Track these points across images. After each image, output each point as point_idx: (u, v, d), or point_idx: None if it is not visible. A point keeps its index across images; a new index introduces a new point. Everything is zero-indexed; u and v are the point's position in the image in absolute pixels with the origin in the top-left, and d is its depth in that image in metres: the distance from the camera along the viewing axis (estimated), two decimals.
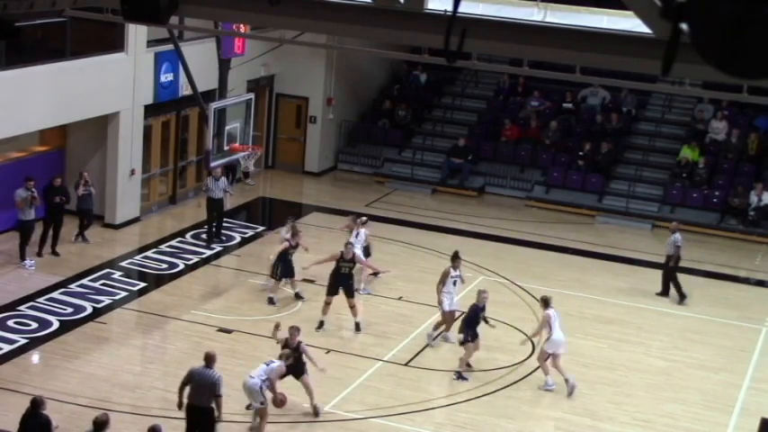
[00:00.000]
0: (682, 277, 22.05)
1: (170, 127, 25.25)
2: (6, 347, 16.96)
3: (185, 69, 22.33)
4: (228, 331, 18.25)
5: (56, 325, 18.01)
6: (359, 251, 20.06)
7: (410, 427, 15.52)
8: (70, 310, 18.70)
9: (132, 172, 23.39)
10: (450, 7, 6.40)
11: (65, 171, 22.99)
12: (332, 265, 18.71)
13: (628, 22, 7.97)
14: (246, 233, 23.36)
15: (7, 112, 19.53)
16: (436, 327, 18.39)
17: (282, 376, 14.99)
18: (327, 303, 18.52)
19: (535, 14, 9.70)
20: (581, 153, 28.50)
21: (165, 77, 23.90)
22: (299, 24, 9.76)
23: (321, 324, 18.48)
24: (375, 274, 20.83)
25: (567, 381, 16.83)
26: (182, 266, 21.41)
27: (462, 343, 17.35)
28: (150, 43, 23.25)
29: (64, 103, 21.07)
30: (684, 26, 4.30)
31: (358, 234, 20.62)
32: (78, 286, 19.80)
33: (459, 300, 18.59)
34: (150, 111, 23.93)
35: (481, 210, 27.33)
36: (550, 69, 13.06)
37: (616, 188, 28.06)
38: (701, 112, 29.31)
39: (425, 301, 19.71)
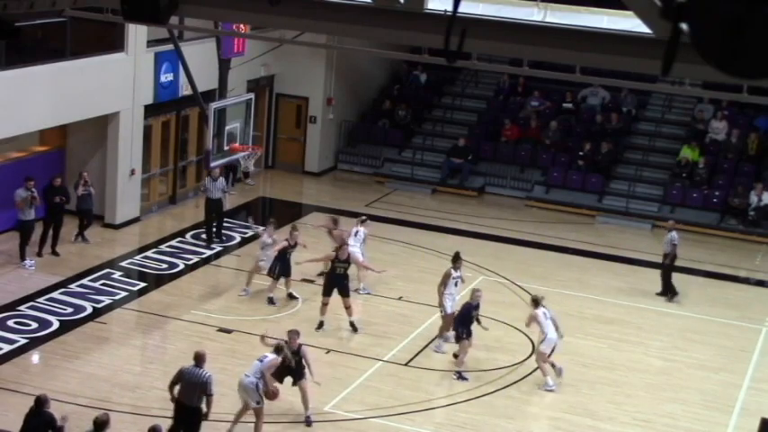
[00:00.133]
0: (681, 277, 22.08)
1: (170, 127, 25.26)
2: (6, 347, 16.97)
3: (185, 69, 22.33)
4: (228, 331, 18.25)
5: (56, 325, 18.02)
6: (357, 250, 20.07)
7: (410, 427, 15.53)
8: (70, 310, 18.70)
9: (132, 172, 23.39)
10: (450, 7, 6.40)
11: (65, 171, 22.99)
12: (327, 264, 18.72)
13: (628, 22, 7.97)
14: (246, 233, 23.34)
15: (7, 112, 19.53)
16: (441, 334, 18.27)
17: (282, 378, 14.99)
18: (324, 304, 18.50)
19: (535, 14, 9.70)
20: (581, 153, 28.51)
21: (165, 77, 23.91)
22: (299, 24, 9.75)
23: (321, 324, 18.48)
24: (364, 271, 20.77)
25: (553, 366, 17.06)
26: (182, 266, 21.42)
27: (457, 340, 17.39)
28: (150, 43, 23.25)
29: (64, 103, 21.07)
30: (684, 26, 4.30)
31: (357, 233, 20.62)
32: (78, 286, 19.81)
33: (461, 300, 18.58)
34: (150, 111, 23.93)
35: (481, 210, 27.33)
36: (550, 69, 13.05)
37: (616, 188, 28.06)
38: (701, 112, 29.31)
39: (425, 301, 19.71)
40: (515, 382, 17.18)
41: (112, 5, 10.56)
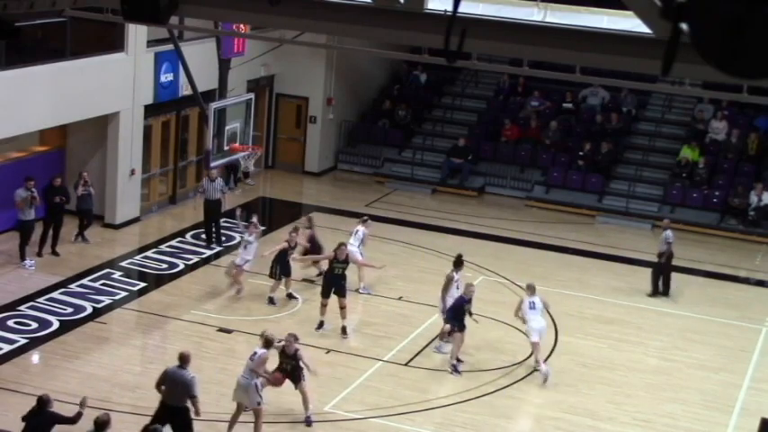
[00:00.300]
0: (681, 277, 22.10)
1: (170, 127, 25.26)
2: (6, 347, 16.97)
3: (185, 69, 22.33)
4: (228, 331, 18.25)
5: (56, 325, 18.01)
6: (356, 249, 20.08)
7: (410, 427, 15.53)
8: (70, 310, 18.70)
9: (132, 172, 23.39)
10: (450, 7, 6.40)
11: (65, 171, 22.99)
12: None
13: (628, 22, 7.97)
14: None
15: (7, 112, 19.53)
16: (441, 337, 18.26)
17: (281, 383, 14.98)
18: (324, 305, 18.48)
19: (535, 14, 9.70)
20: (581, 153, 28.51)
21: (165, 77, 23.91)
22: (299, 24, 9.75)
23: (321, 324, 18.46)
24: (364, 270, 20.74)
25: (537, 369, 17.35)
26: (182, 266, 21.42)
27: (449, 333, 17.46)
28: (150, 43, 23.25)
29: (64, 103, 21.07)
30: (684, 26, 4.30)
31: (357, 232, 20.62)
32: (78, 286, 19.81)
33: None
34: (150, 111, 23.93)
35: (481, 210, 27.33)
36: (550, 69, 13.05)
37: (616, 188, 28.06)
38: (701, 112, 29.32)
39: (425, 301, 19.71)
40: (515, 382, 17.18)
41: (112, 5, 10.57)
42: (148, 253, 22.04)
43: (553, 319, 19.91)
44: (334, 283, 18.40)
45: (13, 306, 18.56)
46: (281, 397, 15.27)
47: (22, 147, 22.63)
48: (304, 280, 20.31)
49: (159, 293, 20.02)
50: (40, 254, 20.97)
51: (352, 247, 19.92)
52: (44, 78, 20.48)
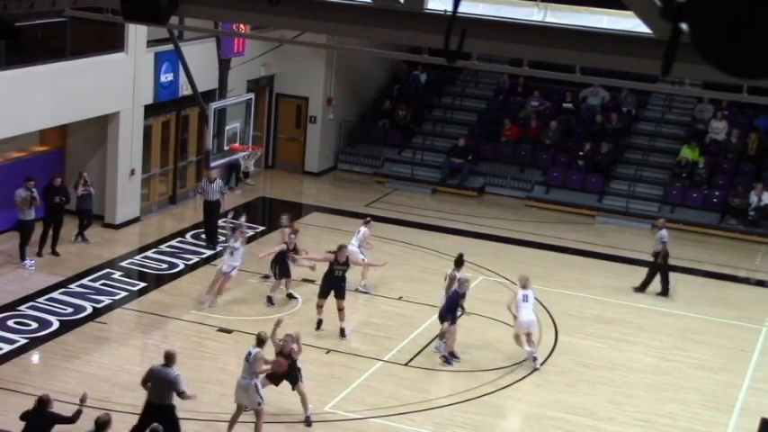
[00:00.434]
0: (681, 277, 22.12)
1: (170, 127, 25.26)
2: (6, 347, 16.97)
3: (185, 69, 22.34)
4: (228, 331, 18.24)
5: (56, 325, 18.01)
6: (356, 249, 20.09)
7: (410, 427, 15.52)
8: (70, 310, 18.70)
9: (132, 172, 23.39)
10: (450, 7, 6.40)
11: (65, 171, 22.99)
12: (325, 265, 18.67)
13: (628, 22, 7.97)
14: (246, 233, 23.29)
15: (7, 112, 19.53)
16: (441, 337, 18.25)
17: (278, 382, 14.97)
18: (320, 306, 18.44)
19: (535, 14, 9.70)
20: (581, 153, 28.51)
21: (165, 77, 23.91)
22: (299, 24, 9.75)
23: (320, 323, 18.44)
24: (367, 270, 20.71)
25: (534, 359, 17.65)
26: (182, 266, 21.42)
27: (443, 330, 17.56)
28: (150, 43, 23.25)
29: (64, 103, 21.07)
30: (684, 26, 4.30)
31: (358, 232, 20.63)
32: (78, 286, 19.81)
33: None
34: (150, 111, 23.93)
35: (481, 210, 27.33)
36: (550, 69, 13.05)
37: (616, 188, 28.06)
38: (701, 112, 29.32)
39: (425, 301, 19.72)
40: (515, 382, 17.18)
41: (112, 5, 10.56)
42: (148, 253, 22.04)
43: (553, 320, 19.94)
44: (333, 284, 18.38)
45: (13, 306, 18.56)
46: (281, 397, 15.27)
47: (22, 147, 22.64)
48: (304, 280, 20.30)
49: (159, 293, 20.02)
50: (40, 254, 20.97)
51: (353, 248, 19.92)
52: (44, 78, 20.48)
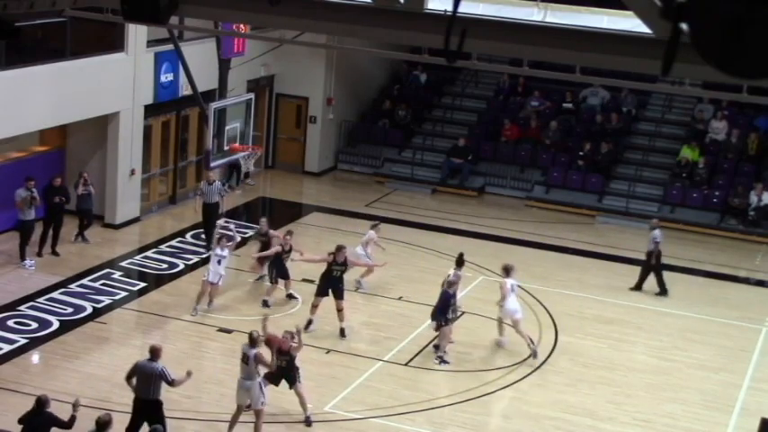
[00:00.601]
0: (681, 277, 22.12)
1: (170, 127, 25.26)
2: (6, 347, 16.97)
3: (185, 69, 22.33)
4: (228, 331, 18.24)
5: (56, 325, 18.01)
6: (359, 251, 20.11)
7: (410, 427, 15.53)
8: (70, 310, 18.70)
9: (132, 172, 23.39)
10: (450, 7, 6.40)
11: (65, 171, 22.99)
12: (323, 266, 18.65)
13: (628, 22, 7.97)
14: (247, 233, 23.32)
15: (7, 112, 19.53)
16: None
17: (278, 382, 14.97)
18: (315, 306, 18.36)
19: (535, 14, 9.71)
20: (581, 153, 28.51)
21: (165, 77, 23.91)
22: (299, 24, 9.76)
23: (309, 323, 18.23)
24: (369, 271, 20.73)
25: (529, 345, 17.98)
26: (182, 266, 21.42)
27: (437, 329, 17.60)
28: (150, 43, 23.25)
29: (64, 103, 21.07)
30: (684, 26, 4.30)
31: (366, 235, 20.67)
32: (78, 286, 19.81)
33: (460, 299, 18.61)
34: (150, 111, 23.93)
35: (481, 210, 27.33)
36: (550, 69, 13.04)
37: (616, 188, 28.06)
38: (701, 112, 29.31)
39: (425, 301, 19.67)
40: (515, 382, 17.18)
41: (112, 5, 10.56)
42: (148, 253, 22.04)
43: (553, 319, 19.95)
44: (331, 285, 18.35)
45: (13, 306, 18.56)
46: (281, 397, 15.27)
47: (22, 147, 22.64)
48: (304, 280, 20.30)
49: (159, 293, 20.02)
50: (40, 254, 20.97)
51: (359, 250, 20.04)
52: (44, 78, 20.48)
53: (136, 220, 23.87)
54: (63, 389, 15.40)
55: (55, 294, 19.28)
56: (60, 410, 13.02)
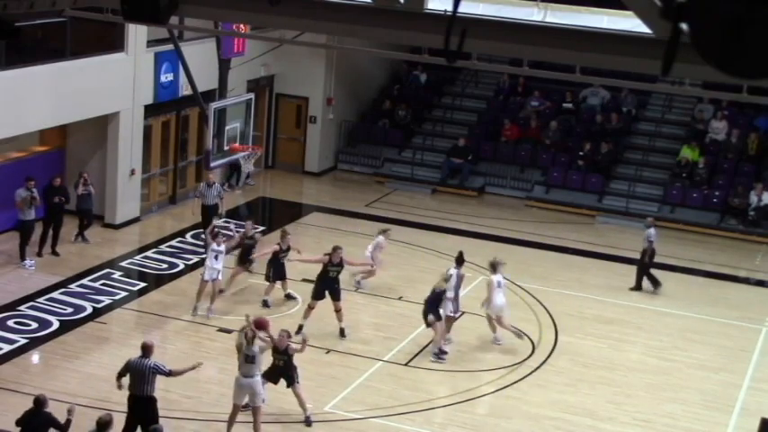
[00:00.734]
0: (681, 277, 22.17)
1: (170, 127, 25.26)
2: (6, 347, 16.97)
3: (185, 69, 22.33)
4: (228, 331, 18.21)
5: (56, 325, 18.02)
6: (368, 255, 20.18)
7: (410, 427, 15.52)
8: (70, 310, 18.70)
9: (132, 172, 23.39)
10: (450, 7, 6.40)
11: (65, 171, 22.99)
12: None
13: (628, 22, 7.98)
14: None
15: (7, 112, 19.53)
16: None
17: (277, 380, 14.97)
18: (311, 308, 18.24)
19: (535, 14, 9.71)
20: (581, 153, 28.51)
21: (165, 77, 23.91)
22: (299, 24, 9.76)
23: (300, 328, 17.98)
24: (370, 273, 20.72)
25: (514, 333, 18.37)
26: (182, 266, 21.42)
27: (429, 325, 17.63)
28: (150, 43, 23.25)
29: (64, 103, 21.07)
30: (684, 26, 4.30)
31: (375, 239, 20.71)
32: (78, 286, 19.81)
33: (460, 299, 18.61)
34: (150, 111, 23.93)
35: (481, 210, 27.33)
36: (550, 69, 13.05)
37: (616, 188, 28.06)
38: (701, 112, 29.31)
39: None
40: (515, 382, 17.18)
41: (112, 5, 10.56)
42: (148, 253, 22.04)
43: (553, 319, 19.95)
44: (327, 285, 18.30)
45: (13, 306, 18.57)
46: (281, 397, 15.27)
47: (22, 147, 22.64)
48: (304, 280, 20.29)
49: (159, 293, 20.02)
50: (40, 254, 20.97)
51: (367, 253, 20.24)
52: (44, 78, 20.48)
53: (136, 220, 23.87)
54: (63, 389, 15.41)
55: (55, 294, 19.29)
56: (60, 411, 13.01)
